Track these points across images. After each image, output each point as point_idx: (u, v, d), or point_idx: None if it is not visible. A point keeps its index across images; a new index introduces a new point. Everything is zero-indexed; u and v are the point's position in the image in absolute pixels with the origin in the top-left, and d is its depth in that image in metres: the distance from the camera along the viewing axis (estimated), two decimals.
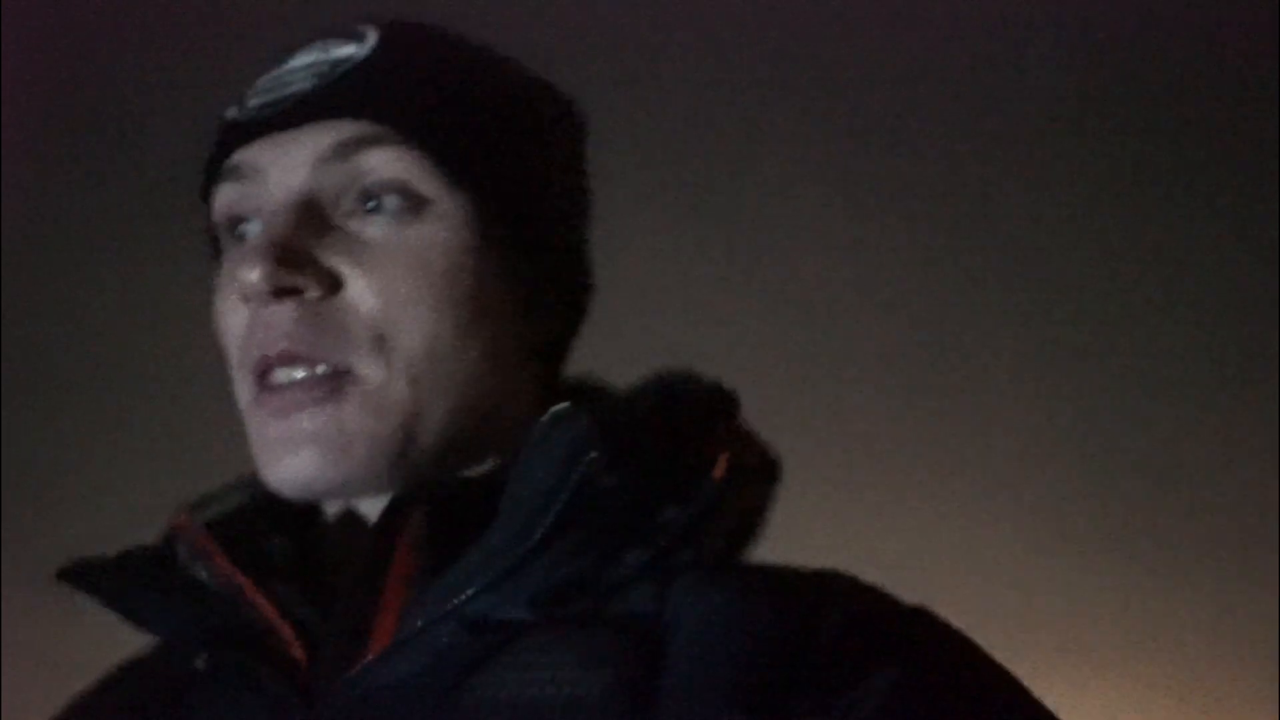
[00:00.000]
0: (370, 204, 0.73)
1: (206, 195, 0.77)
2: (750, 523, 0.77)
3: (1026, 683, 0.66)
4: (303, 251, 0.71)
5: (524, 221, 0.76)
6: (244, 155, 0.75)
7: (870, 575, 0.70)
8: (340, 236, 0.72)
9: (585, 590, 0.68)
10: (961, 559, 2.30)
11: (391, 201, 0.73)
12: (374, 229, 0.73)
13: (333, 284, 0.72)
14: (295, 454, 0.71)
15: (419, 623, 0.68)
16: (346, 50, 0.75)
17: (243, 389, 0.74)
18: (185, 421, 2.06)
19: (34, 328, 2.05)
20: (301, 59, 0.75)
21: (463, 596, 0.68)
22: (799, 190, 1.98)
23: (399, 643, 0.68)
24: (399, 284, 0.72)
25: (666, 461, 0.71)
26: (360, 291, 0.72)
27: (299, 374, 0.72)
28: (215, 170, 0.76)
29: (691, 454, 0.72)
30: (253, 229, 0.75)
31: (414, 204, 0.73)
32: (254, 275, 0.70)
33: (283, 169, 0.73)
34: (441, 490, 0.72)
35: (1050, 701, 0.65)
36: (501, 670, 0.67)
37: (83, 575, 0.75)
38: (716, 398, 0.77)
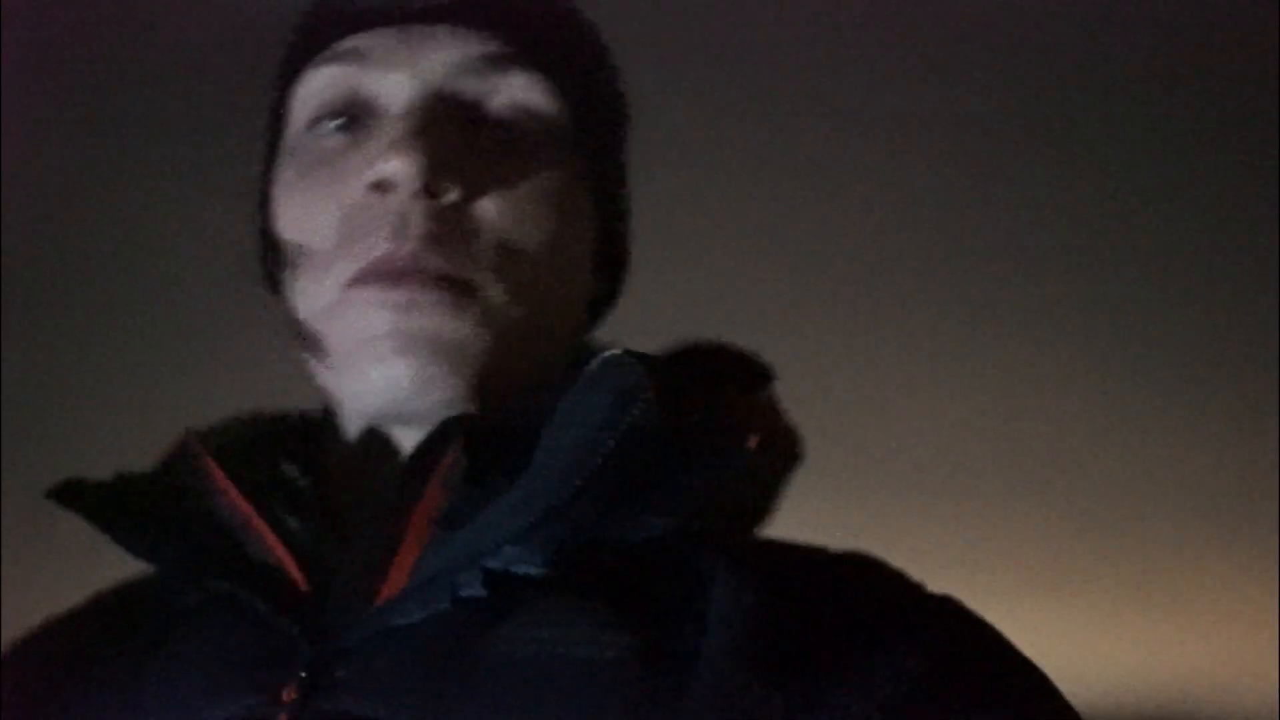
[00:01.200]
0: (508, 124, 0.71)
1: (288, 77, 0.75)
2: (767, 499, 0.76)
3: None
4: (449, 151, 0.69)
5: (610, 176, 0.77)
6: (366, 40, 0.72)
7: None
8: (477, 148, 0.70)
9: (606, 551, 0.65)
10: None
11: (529, 125, 0.71)
12: (508, 148, 0.71)
13: (470, 192, 0.69)
14: (404, 355, 0.67)
15: (439, 566, 0.64)
16: None
17: (327, 284, 0.70)
18: (191, 343, 2.05)
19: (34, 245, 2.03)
20: None
21: (488, 544, 0.64)
22: (822, 165, 1.97)
23: (417, 585, 0.64)
24: (530, 208, 0.70)
25: (701, 426, 0.68)
26: (496, 206, 0.69)
27: (424, 265, 0.67)
28: (314, 50, 0.74)
29: (724, 422, 0.70)
30: (369, 119, 0.72)
31: (547, 135, 0.72)
32: (407, 167, 0.67)
33: (421, 66, 0.71)
34: (482, 428, 0.67)
35: None
36: (521, 626, 0.63)
37: (74, 495, 0.71)
38: (750, 369, 0.75)
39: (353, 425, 0.73)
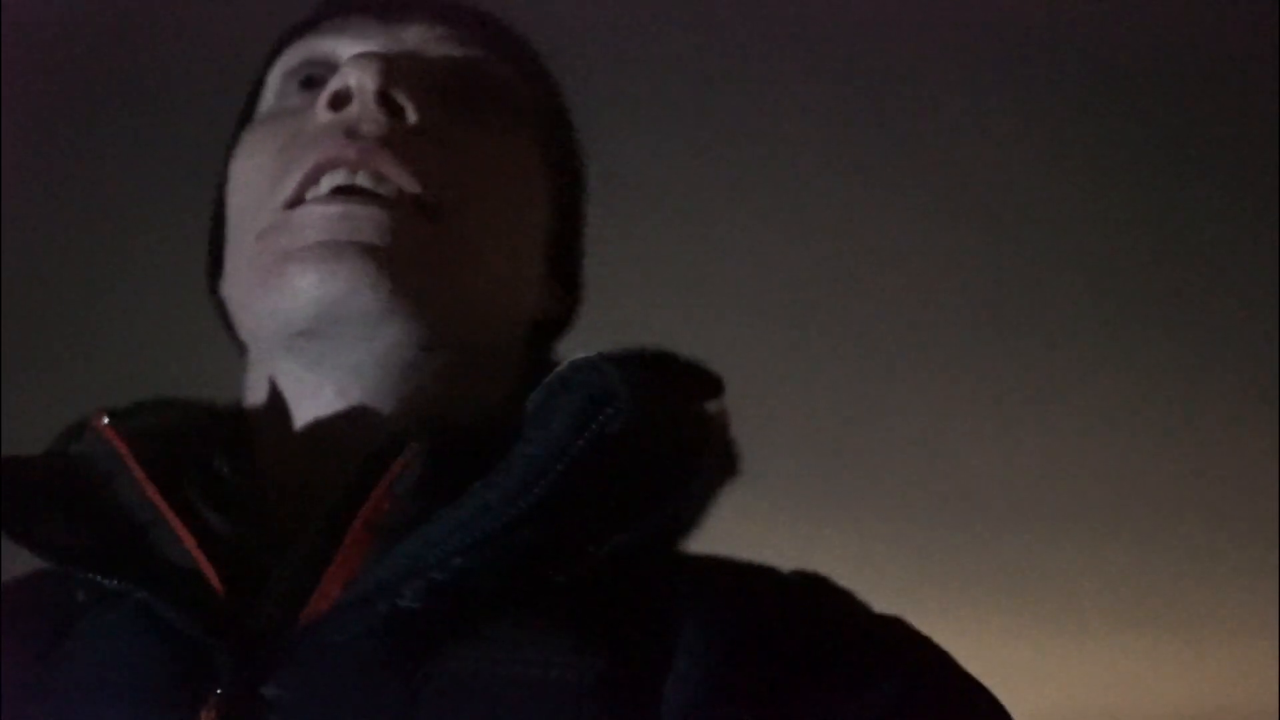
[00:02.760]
0: (471, 86, 0.72)
1: (270, 60, 0.76)
2: (702, 512, 0.72)
3: None
4: (409, 76, 0.69)
5: (567, 166, 0.77)
6: (347, 18, 0.73)
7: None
8: (437, 88, 0.71)
9: (565, 566, 0.62)
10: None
11: (494, 97, 0.72)
12: (469, 100, 0.72)
13: (434, 122, 0.69)
14: (339, 260, 0.64)
15: (381, 577, 0.60)
16: None
17: (268, 209, 0.67)
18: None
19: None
20: None
21: (437, 554, 0.59)
22: (789, 178, 1.96)
23: (355, 596, 0.60)
24: (483, 150, 0.70)
25: (664, 438, 0.65)
26: (452, 138, 0.69)
27: (368, 183, 0.66)
28: (297, 33, 0.75)
29: (686, 433, 0.67)
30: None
31: (512, 114, 0.73)
32: (363, 73, 0.67)
33: (392, 33, 0.72)
34: (442, 431, 0.64)
35: None
36: (471, 645, 0.59)
37: None
38: (700, 379, 0.72)
39: (280, 367, 0.69)
